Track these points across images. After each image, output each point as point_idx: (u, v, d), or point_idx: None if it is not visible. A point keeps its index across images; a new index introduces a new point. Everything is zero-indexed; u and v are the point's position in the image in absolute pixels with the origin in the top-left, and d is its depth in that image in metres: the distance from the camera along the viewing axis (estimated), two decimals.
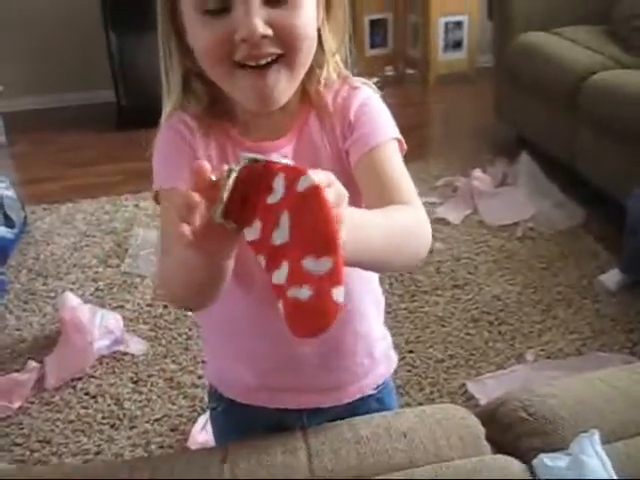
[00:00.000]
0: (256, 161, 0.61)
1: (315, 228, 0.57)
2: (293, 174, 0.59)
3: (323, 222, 0.57)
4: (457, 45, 4.20)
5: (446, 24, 4.14)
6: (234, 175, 0.61)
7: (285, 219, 0.59)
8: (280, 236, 0.59)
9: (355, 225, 0.62)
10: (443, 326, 2.08)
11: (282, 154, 0.64)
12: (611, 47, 2.86)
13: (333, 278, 0.57)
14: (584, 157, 2.70)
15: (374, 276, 1.00)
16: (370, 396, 1.02)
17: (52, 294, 2.31)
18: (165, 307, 2.21)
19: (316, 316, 0.58)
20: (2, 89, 3.71)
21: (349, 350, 0.97)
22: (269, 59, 0.77)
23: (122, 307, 2.22)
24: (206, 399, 1.81)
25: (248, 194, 0.61)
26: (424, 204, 0.85)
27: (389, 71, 4.49)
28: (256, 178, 0.61)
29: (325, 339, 0.77)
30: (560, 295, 2.21)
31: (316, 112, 0.88)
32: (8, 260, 2.51)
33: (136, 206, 2.89)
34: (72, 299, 2.10)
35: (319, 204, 0.57)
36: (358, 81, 0.90)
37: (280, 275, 0.59)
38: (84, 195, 3.01)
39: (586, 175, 2.71)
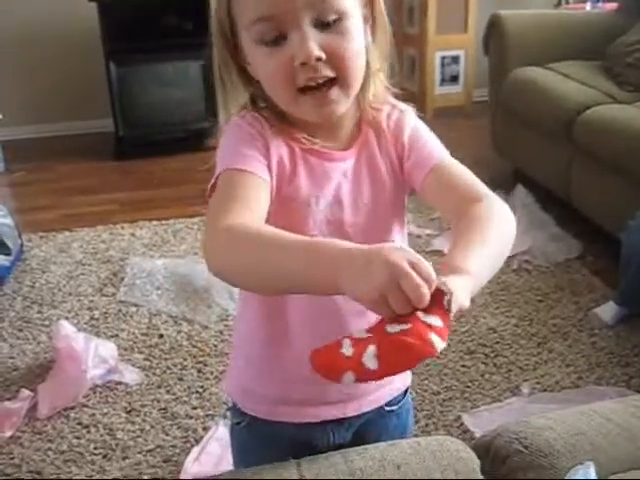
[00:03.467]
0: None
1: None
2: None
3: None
4: (454, 79, 4.25)
5: (442, 58, 4.20)
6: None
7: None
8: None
9: (472, 276, 0.70)
10: (438, 358, 2.07)
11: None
12: (605, 82, 2.90)
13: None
14: (579, 190, 2.72)
15: None
16: (391, 412, 1.05)
17: (47, 322, 2.30)
18: (160, 337, 2.20)
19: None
20: (2, 117, 3.74)
21: None
22: (326, 79, 0.83)
23: (117, 336, 2.21)
24: (200, 430, 1.81)
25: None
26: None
27: None
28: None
29: None
30: (556, 328, 2.21)
31: (373, 130, 0.94)
32: (3, 287, 2.50)
33: (132, 235, 2.90)
34: (67, 327, 2.09)
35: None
36: (402, 104, 0.97)
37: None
38: (81, 224, 3.02)
39: (581, 208, 2.72)
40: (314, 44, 0.80)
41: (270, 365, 0.99)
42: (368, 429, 1.03)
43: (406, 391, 1.09)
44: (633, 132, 2.40)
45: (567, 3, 4.26)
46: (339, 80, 0.83)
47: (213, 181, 0.86)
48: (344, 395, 0.99)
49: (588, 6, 3.90)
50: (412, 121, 0.95)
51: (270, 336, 0.97)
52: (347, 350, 0.62)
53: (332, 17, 0.81)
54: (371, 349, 0.61)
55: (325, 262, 0.67)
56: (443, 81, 4.25)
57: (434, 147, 0.93)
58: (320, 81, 0.82)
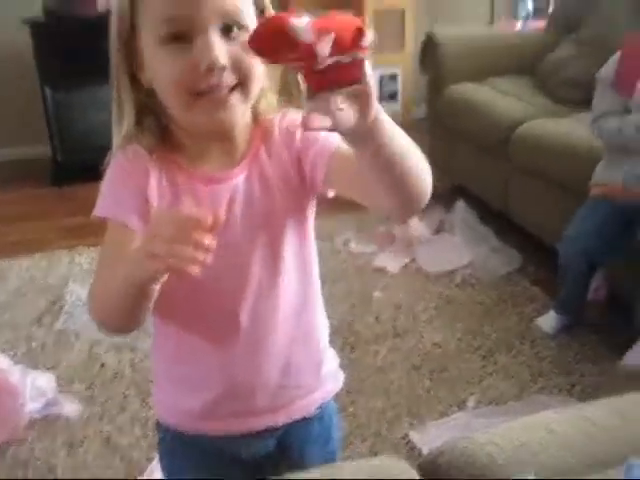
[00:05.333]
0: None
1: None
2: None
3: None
4: (392, 97, 4.30)
5: (381, 77, 4.25)
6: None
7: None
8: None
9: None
10: (384, 375, 2.07)
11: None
12: (538, 97, 2.97)
13: None
14: (517, 203, 2.77)
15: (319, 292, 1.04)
16: (312, 417, 1.04)
17: None
18: (102, 365, 2.15)
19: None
20: None
21: (300, 365, 1.00)
22: (228, 88, 0.84)
23: (56, 367, 2.15)
24: (143, 461, 1.76)
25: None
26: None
27: None
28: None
29: (277, 354, 0.95)
30: (499, 340, 2.23)
31: (264, 143, 0.94)
32: None
33: (71, 262, 2.83)
34: (1, 361, 2.02)
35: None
36: (293, 111, 0.96)
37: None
38: (18, 252, 2.93)
39: (520, 221, 2.78)
40: (221, 51, 0.81)
41: (191, 382, 0.98)
42: (292, 437, 1.03)
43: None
44: (565, 145, 2.46)
45: (499, 21, 4.37)
46: (240, 87, 0.85)
47: (96, 214, 0.90)
48: (272, 405, 0.99)
49: (519, 24, 4.00)
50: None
51: (184, 354, 0.97)
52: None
53: (236, 29, 0.83)
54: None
55: (125, 268, 0.77)
56: (382, 99, 4.29)
57: (328, 136, 0.91)
58: (224, 91, 0.83)
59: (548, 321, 2.26)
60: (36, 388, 1.92)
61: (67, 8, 3.61)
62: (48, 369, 2.12)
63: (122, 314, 0.82)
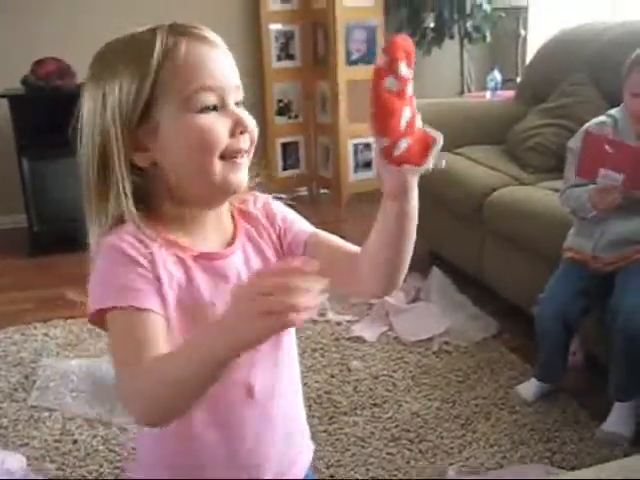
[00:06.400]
0: None
1: None
2: None
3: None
4: (367, 165, 4.38)
5: (355, 145, 4.33)
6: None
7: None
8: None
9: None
10: (363, 447, 2.04)
11: None
12: (509, 165, 3.04)
13: None
14: (491, 270, 2.80)
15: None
16: None
17: None
18: (74, 442, 2.10)
19: None
20: None
21: (295, 434, 1.04)
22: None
23: (27, 445, 2.09)
24: None
25: None
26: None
27: (303, 191, 4.62)
28: None
29: (281, 424, 0.98)
30: (478, 408, 2.22)
31: (247, 219, 1.01)
32: None
33: (46, 335, 2.79)
34: None
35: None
36: (261, 194, 1.05)
37: None
38: None
39: (495, 286, 2.80)
40: (249, 118, 0.92)
41: (182, 458, 0.97)
42: None
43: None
44: (536, 212, 2.51)
45: (469, 92, 4.50)
46: (248, 154, 0.94)
47: (94, 311, 0.86)
48: (277, 474, 1.00)
49: (488, 94, 4.11)
50: (279, 206, 1.05)
51: (176, 431, 0.94)
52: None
53: (241, 100, 0.94)
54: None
55: (213, 343, 0.73)
56: (357, 167, 4.36)
57: (302, 224, 1.04)
58: (244, 154, 0.92)
59: (528, 388, 2.25)
60: (5, 469, 1.87)
61: (46, 80, 3.67)
62: (19, 447, 2.07)
63: (185, 401, 0.79)
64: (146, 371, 0.80)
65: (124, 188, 0.89)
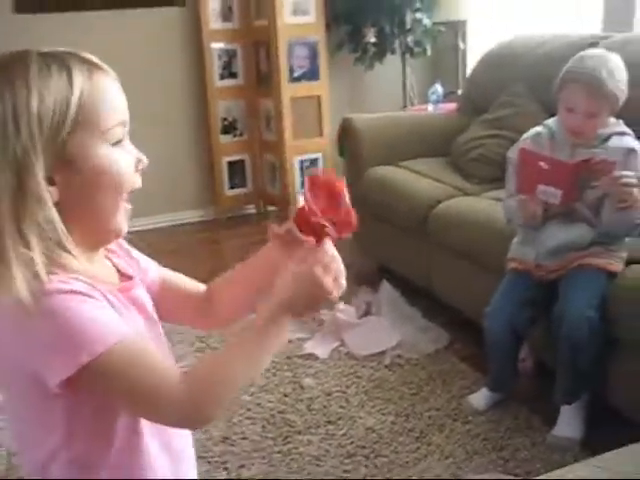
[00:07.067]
0: None
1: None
2: None
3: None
4: None
5: (301, 162, 4.33)
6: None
7: None
8: None
9: None
10: (319, 466, 2.02)
11: None
12: (453, 177, 3.07)
13: None
14: (440, 281, 2.82)
15: None
16: None
17: None
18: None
19: None
20: None
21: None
22: None
23: None
24: None
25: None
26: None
27: (251, 209, 4.60)
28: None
29: None
30: (432, 420, 2.22)
31: (123, 260, 1.02)
32: None
33: None
34: None
35: None
36: None
37: None
38: None
39: (444, 298, 2.82)
40: None
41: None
42: None
43: None
44: (480, 223, 2.54)
45: (412, 105, 4.55)
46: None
47: (105, 348, 0.79)
48: None
49: (430, 107, 4.16)
50: (134, 251, 1.07)
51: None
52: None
53: None
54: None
55: (280, 328, 0.92)
56: (304, 184, 4.35)
57: (152, 267, 1.07)
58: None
59: (480, 398, 2.27)
60: None
61: None
62: None
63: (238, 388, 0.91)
64: (204, 380, 0.86)
65: (46, 211, 0.82)
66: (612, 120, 2.08)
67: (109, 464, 0.89)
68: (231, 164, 4.45)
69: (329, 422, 2.23)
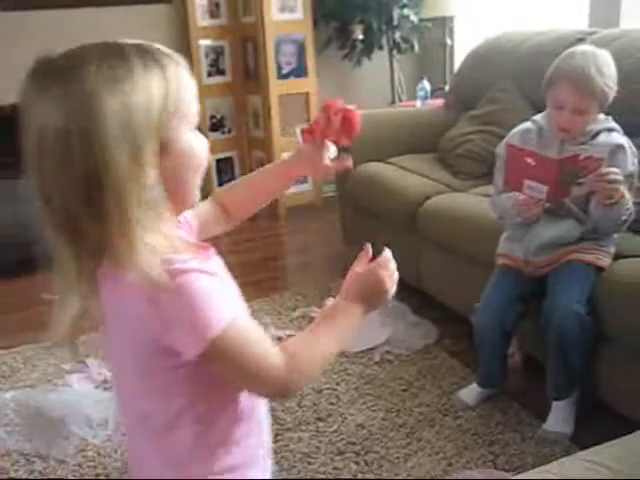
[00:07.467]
0: None
1: None
2: None
3: None
4: (303, 178, 4.37)
5: None
6: None
7: None
8: None
9: None
10: (309, 463, 2.02)
11: None
12: (441, 173, 3.08)
13: None
14: (429, 277, 2.83)
15: None
16: None
17: None
18: None
19: None
20: None
21: None
22: None
23: None
24: None
25: None
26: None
27: None
28: None
29: None
30: (422, 415, 2.23)
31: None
32: None
33: None
34: None
35: None
36: None
37: None
38: None
39: (433, 294, 2.83)
40: None
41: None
42: None
43: None
44: (468, 218, 2.54)
45: (400, 101, 4.55)
46: None
47: (220, 328, 0.88)
48: None
49: (418, 103, 4.17)
50: None
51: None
52: None
53: None
54: None
55: (358, 319, 1.08)
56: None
57: (189, 217, 1.15)
58: None
59: (469, 393, 2.28)
60: None
61: None
62: None
63: None
64: (301, 358, 0.97)
65: (155, 199, 0.90)
66: (601, 116, 2.09)
67: (229, 420, 0.99)
68: (219, 161, 4.44)
69: (319, 419, 2.24)
